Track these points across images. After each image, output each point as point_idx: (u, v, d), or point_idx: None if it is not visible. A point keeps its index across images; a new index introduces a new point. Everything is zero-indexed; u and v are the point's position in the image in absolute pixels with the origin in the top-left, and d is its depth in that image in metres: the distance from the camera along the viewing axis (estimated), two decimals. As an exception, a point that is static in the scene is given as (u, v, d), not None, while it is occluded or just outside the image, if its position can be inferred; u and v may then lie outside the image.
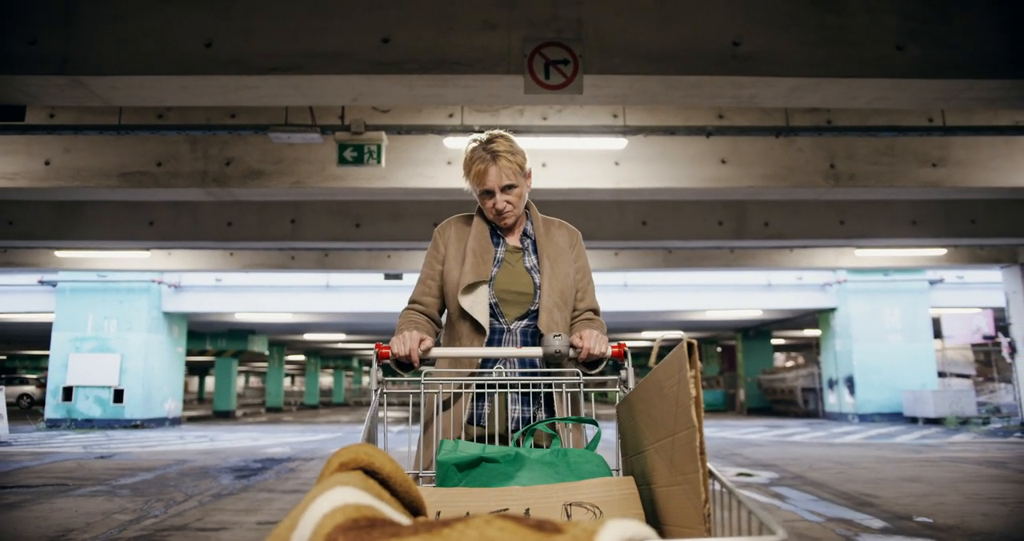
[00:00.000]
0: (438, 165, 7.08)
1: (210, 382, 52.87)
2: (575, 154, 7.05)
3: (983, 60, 4.65)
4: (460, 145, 6.78)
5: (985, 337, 14.29)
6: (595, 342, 1.77)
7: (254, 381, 58.81)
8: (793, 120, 6.53)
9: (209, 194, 7.36)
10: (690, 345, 1.13)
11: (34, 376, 34.84)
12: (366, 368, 50.03)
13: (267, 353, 27.20)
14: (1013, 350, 13.02)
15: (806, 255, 12.62)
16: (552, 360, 1.78)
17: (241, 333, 23.90)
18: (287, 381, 49.80)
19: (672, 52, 4.55)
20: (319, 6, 4.47)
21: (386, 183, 7.02)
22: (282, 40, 4.46)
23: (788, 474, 8.03)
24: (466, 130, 6.15)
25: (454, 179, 7.07)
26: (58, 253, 11.39)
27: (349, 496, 0.71)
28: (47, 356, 38.90)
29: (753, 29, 4.60)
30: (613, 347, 1.80)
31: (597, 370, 1.85)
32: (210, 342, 23.76)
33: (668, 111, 6.67)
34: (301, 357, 37.45)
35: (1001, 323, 14.15)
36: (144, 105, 5.33)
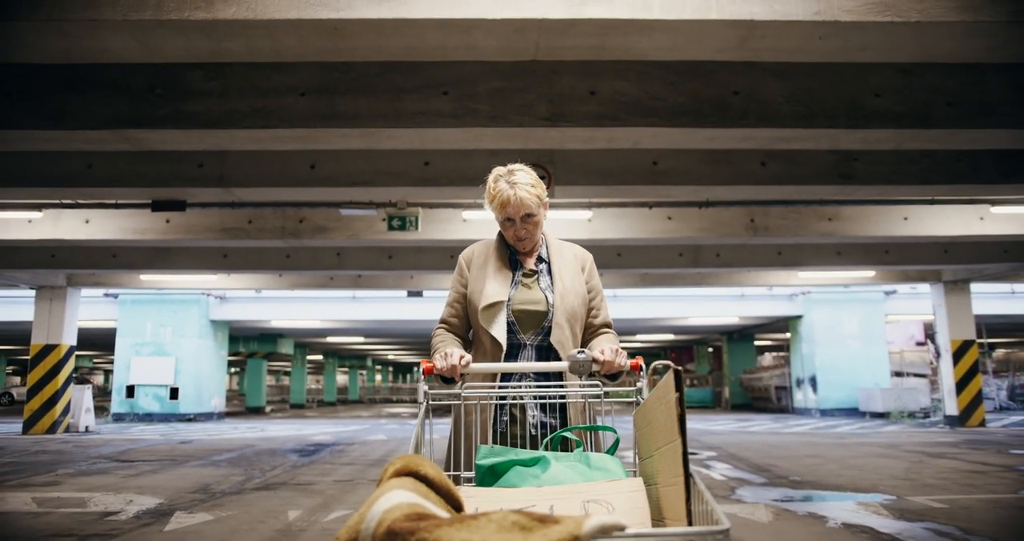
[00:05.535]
0: (456, 223, 9.53)
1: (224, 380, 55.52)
2: (556, 216, 9.46)
3: (818, 173, 7.06)
4: (473, 215, 9.24)
5: (917, 343, 16.65)
6: (615, 357, 1.96)
7: (268, 379, 61.30)
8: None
9: (285, 242, 9.82)
10: (677, 372, 1.32)
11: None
12: (379, 367, 52.59)
13: (292, 354, 29.67)
14: (938, 354, 15.36)
15: (761, 275, 15.03)
16: (576, 373, 1.96)
17: (271, 336, 26.41)
18: (303, 379, 52.33)
19: (613, 170, 6.98)
20: (380, 142, 6.91)
21: (417, 236, 9.46)
22: (360, 164, 6.90)
23: (724, 453, 10.43)
24: (477, 206, 8.59)
25: (468, 232, 9.50)
26: (143, 277, 13.89)
27: (403, 497, 0.89)
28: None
29: (666, 154, 7.01)
30: (631, 362, 1.98)
31: (616, 382, 2.03)
32: (243, 345, 26.20)
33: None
34: (319, 357, 39.84)
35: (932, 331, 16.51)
36: (266, 201, 7.79)
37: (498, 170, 2.20)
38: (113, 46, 3.98)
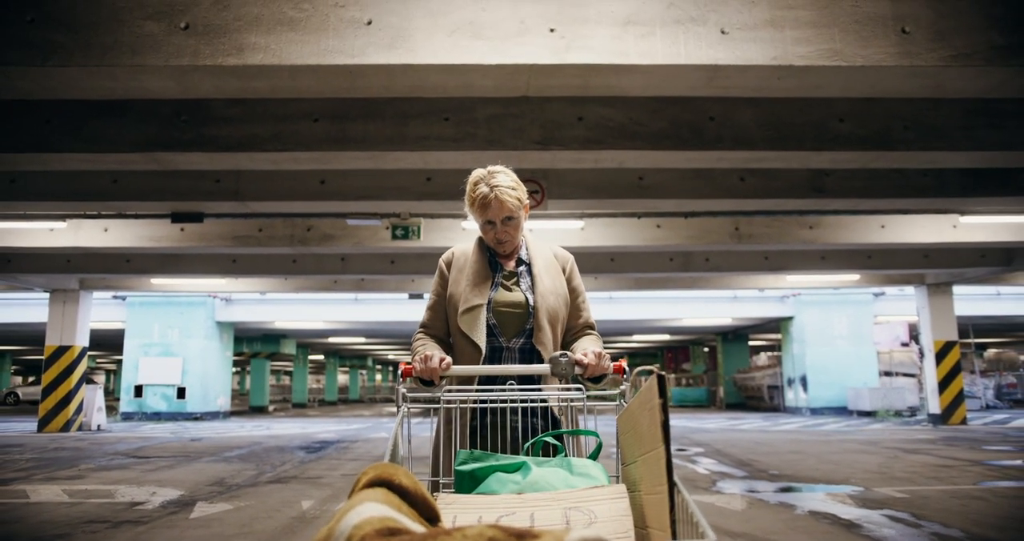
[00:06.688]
0: (456, 231, 10.05)
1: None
2: (549, 226, 9.99)
3: (794, 187, 7.58)
4: (472, 224, 9.75)
5: (902, 344, 17.18)
6: (598, 360, 1.93)
7: (270, 378, 61.65)
8: (698, 205, 9.45)
9: (293, 250, 10.34)
10: (660, 377, 1.30)
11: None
12: (379, 367, 53.11)
13: (294, 354, 30.16)
14: (922, 355, 15.88)
15: (749, 279, 15.54)
16: (558, 376, 1.93)
17: (274, 337, 26.91)
18: (304, 379, 52.80)
19: (602, 185, 7.49)
20: (387, 163, 7.42)
21: (419, 244, 9.96)
22: (366, 180, 7.41)
23: (711, 449, 10.94)
24: (476, 215, 9.11)
25: (467, 240, 10.02)
26: (154, 280, 14.40)
27: (374, 510, 0.86)
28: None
29: (651, 170, 7.53)
30: (614, 364, 1.96)
31: (599, 384, 2.00)
32: (246, 345, 26.70)
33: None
34: (320, 357, 40.32)
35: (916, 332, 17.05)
36: (278, 212, 8.31)
37: (478, 173, 2.19)
38: (152, 86, 4.49)
